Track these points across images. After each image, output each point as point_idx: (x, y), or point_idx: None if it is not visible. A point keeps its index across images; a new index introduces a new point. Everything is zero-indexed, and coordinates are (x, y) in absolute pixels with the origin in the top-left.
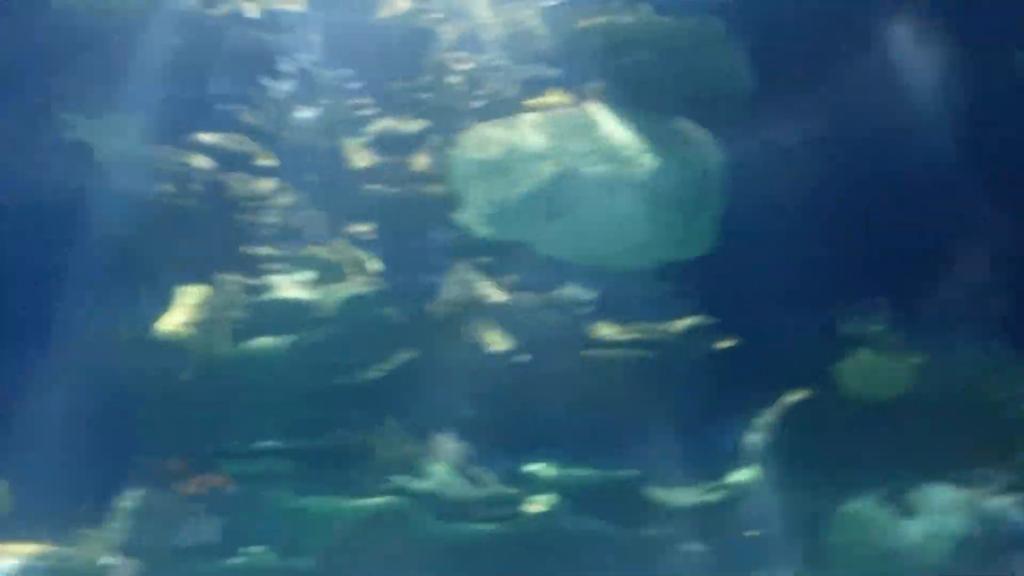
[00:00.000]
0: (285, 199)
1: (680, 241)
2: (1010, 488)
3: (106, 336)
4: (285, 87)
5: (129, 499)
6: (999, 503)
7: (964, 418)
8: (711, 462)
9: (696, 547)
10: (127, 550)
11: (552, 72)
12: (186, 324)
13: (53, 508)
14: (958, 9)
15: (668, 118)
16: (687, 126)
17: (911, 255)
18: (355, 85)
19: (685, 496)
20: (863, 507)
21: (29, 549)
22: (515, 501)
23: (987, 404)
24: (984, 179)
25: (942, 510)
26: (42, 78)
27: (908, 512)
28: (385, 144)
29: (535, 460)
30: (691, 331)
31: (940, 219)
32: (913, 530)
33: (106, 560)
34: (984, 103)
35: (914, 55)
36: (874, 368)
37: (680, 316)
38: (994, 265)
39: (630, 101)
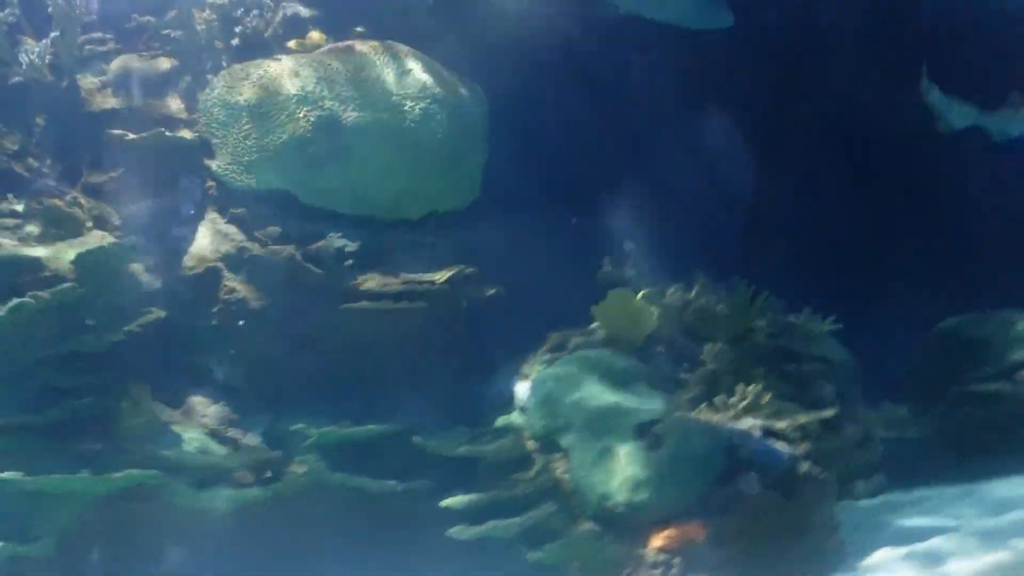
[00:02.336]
0: (9, 144)
1: (445, 191)
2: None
3: None
4: (5, 14)
5: None
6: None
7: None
8: (478, 411)
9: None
10: None
11: (314, 11)
12: None
13: None
14: None
15: (437, 65)
16: (456, 75)
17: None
18: (91, 18)
19: (450, 446)
20: None
21: None
22: (278, 463)
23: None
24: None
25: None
26: None
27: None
28: (128, 84)
29: (298, 419)
30: (456, 280)
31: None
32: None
33: None
34: None
35: None
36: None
37: (445, 266)
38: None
39: (397, 45)
